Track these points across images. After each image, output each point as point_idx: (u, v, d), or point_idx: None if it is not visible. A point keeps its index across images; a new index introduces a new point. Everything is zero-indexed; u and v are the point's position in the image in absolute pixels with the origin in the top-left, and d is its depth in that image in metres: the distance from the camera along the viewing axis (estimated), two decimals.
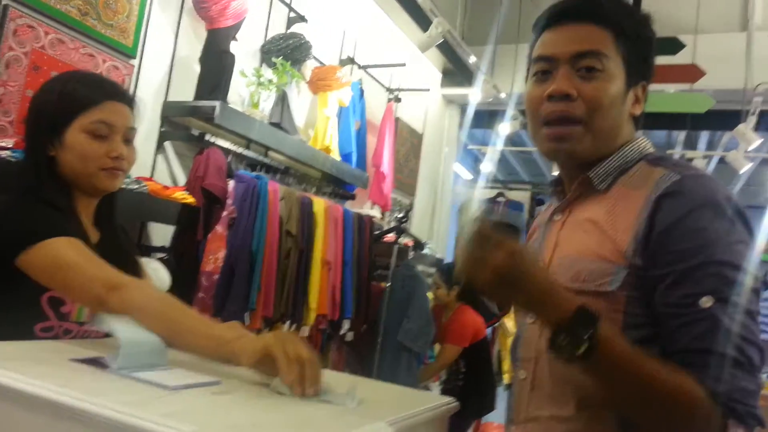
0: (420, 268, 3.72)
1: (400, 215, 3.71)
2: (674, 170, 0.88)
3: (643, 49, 0.95)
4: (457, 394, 3.40)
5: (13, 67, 1.83)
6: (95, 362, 0.83)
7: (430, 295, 3.61)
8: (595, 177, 0.94)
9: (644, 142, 0.97)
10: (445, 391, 3.51)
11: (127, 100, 1.16)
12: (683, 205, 0.83)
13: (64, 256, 0.99)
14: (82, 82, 1.14)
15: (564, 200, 0.99)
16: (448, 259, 5.69)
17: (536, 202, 5.74)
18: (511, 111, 4.72)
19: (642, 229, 0.84)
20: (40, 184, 1.10)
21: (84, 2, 2.05)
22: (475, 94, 4.37)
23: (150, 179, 2.19)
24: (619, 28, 0.92)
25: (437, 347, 3.73)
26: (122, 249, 1.18)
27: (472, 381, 3.47)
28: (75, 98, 1.10)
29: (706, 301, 0.79)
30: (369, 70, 3.89)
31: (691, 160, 5.85)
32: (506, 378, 4.50)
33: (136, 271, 1.16)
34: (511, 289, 0.79)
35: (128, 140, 1.16)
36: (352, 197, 3.51)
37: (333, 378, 1.04)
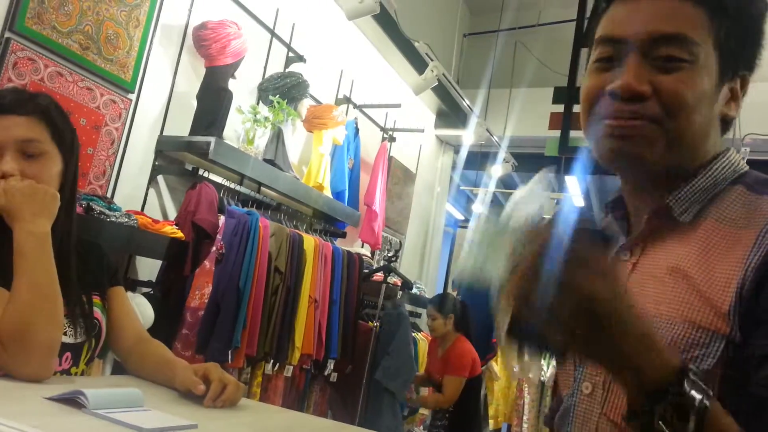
0: (408, 308, 3.71)
1: (390, 254, 3.71)
2: None
3: (749, 28, 0.71)
4: None
5: None
6: (70, 401, 0.82)
7: (418, 336, 3.57)
8: (676, 204, 0.71)
9: (735, 156, 0.73)
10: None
11: (20, 110, 1.03)
12: None
13: None
14: None
15: (634, 235, 0.75)
16: None
17: None
18: (503, 153, 4.79)
19: (750, 283, 0.61)
20: None
21: (85, 37, 2.09)
22: (468, 136, 4.45)
23: (141, 213, 2.19)
24: (718, 2, 0.69)
25: (424, 390, 3.67)
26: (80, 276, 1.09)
27: (458, 422, 3.36)
28: None
29: None
30: (364, 109, 3.95)
31: None
32: (492, 424, 4.41)
33: (82, 305, 1.08)
34: (604, 330, 0.55)
35: (28, 154, 1.03)
36: (343, 235, 3.52)
37: (311, 423, 1.03)
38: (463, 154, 5.28)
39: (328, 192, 3.29)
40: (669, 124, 0.68)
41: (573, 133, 4.38)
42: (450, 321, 3.41)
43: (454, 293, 5.45)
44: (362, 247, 3.99)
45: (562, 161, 4.95)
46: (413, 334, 3.55)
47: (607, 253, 0.65)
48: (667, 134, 0.68)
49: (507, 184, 7.06)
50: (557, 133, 4.39)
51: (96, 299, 1.15)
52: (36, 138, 1.04)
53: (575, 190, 5.80)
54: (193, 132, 2.49)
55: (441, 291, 5.92)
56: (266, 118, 2.83)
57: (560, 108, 4.41)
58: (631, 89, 0.67)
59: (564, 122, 4.26)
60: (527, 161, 5.47)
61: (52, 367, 0.98)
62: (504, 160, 4.90)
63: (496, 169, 4.96)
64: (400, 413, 3.39)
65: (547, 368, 4.94)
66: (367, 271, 3.50)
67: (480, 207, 5.73)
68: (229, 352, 2.28)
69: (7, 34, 1.86)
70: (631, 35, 0.69)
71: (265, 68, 3.07)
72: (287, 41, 3.19)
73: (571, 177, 5.49)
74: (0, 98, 1.05)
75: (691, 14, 0.68)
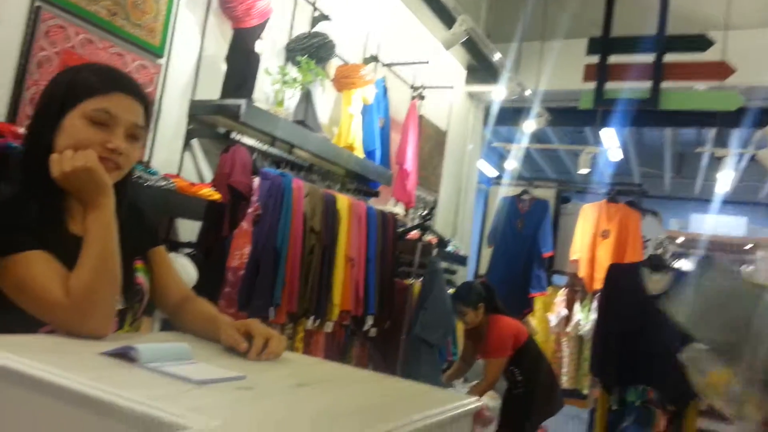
0: (444, 265, 3.71)
1: (424, 212, 3.70)
2: None
3: None
4: (521, 403, 3.35)
5: (45, 67, 1.87)
6: (123, 355, 0.85)
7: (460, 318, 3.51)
8: None
9: None
10: (507, 403, 3.41)
11: (139, 96, 1.12)
12: None
13: (24, 276, 0.97)
14: (95, 71, 1.12)
15: None
16: (472, 257, 5.67)
17: (562, 200, 5.68)
18: (536, 108, 4.68)
19: None
20: (26, 178, 1.08)
21: (113, 2, 2.09)
22: (499, 92, 4.35)
23: (177, 176, 2.23)
24: None
25: (462, 345, 3.70)
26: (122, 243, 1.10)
27: (532, 386, 3.35)
28: (83, 85, 1.07)
29: None
30: (393, 67, 3.89)
31: (720, 158, 5.73)
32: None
33: (126, 272, 1.10)
34: None
35: (132, 137, 1.10)
36: (376, 194, 3.51)
37: (352, 374, 1.05)
38: (495, 110, 5.18)
39: (359, 152, 3.28)
40: None
41: (609, 85, 4.24)
42: (480, 310, 3.39)
43: (489, 249, 5.46)
44: (395, 206, 3.99)
45: (597, 114, 4.82)
46: (448, 291, 3.55)
47: None
48: None
49: (540, 138, 6.92)
50: (592, 85, 4.25)
51: (138, 263, 1.18)
52: (142, 124, 1.13)
53: (612, 143, 5.65)
54: (223, 95, 2.49)
55: (475, 248, 5.91)
56: (294, 79, 2.81)
57: (595, 59, 4.27)
58: None
59: (599, 74, 4.13)
60: (561, 115, 5.33)
61: (112, 325, 1.03)
62: (537, 114, 4.78)
63: (529, 125, 4.85)
64: (440, 365, 3.43)
65: (586, 323, 4.92)
66: (401, 229, 3.51)
67: (513, 163, 5.64)
68: (271, 308, 2.33)
69: (37, 2, 1.87)
70: None
71: (291, 29, 3.03)
72: (312, 0, 3.13)
73: (607, 130, 5.35)
74: (122, 78, 1.14)
75: None
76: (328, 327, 2.73)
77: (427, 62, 3.84)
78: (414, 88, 4.16)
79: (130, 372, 0.80)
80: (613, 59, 4.32)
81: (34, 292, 0.97)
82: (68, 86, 1.09)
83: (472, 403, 0.95)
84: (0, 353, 0.76)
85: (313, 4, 3.15)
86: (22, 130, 1.62)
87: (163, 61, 2.34)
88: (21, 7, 1.85)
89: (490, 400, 3.32)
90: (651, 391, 3.16)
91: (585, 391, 4.91)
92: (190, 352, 0.90)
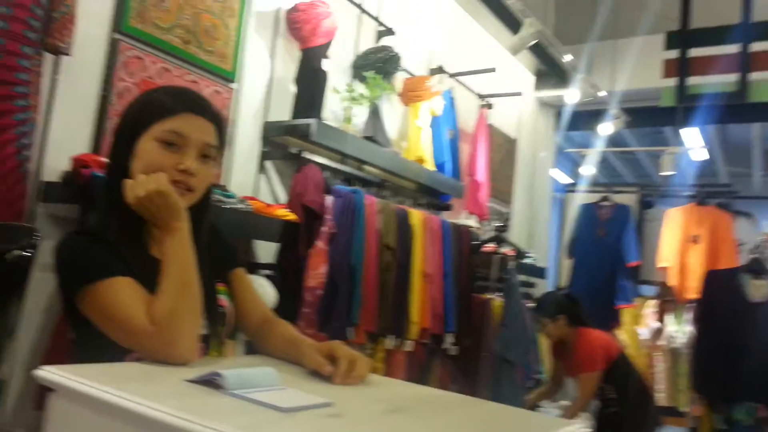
0: (521, 278, 3.57)
1: (499, 224, 3.58)
2: None
3: None
4: (616, 422, 3.12)
5: (125, 97, 1.93)
6: (209, 382, 0.82)
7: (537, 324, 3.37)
8: None
9: None
10: (601, 423, 3.17)
11: (209, 115, 1.10)
12: None
13: (109, 303, 0.97)
14: (165, 93, 1.11)
15: None
16: (551, 269, 5.46)
17: (644, 205, 5.38)
18: (612, 110, 4.46)
19: None
20: (108, 205, 1.09)
21: (185, 31, 2.14)
22: (572, 95, 4.18)
23: (254, 198, 2.24)
24: None
25: (547, 364, 3.52)
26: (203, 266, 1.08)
27: (626, 404, 3.12)
28: (153, 107, 1.07)
29: None
30: (459, 77, 3.82)
31: None
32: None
33: (209, 295, 1.09)
34: None
35: (205, 157, 1.09)
36: (448, 208, 3.44)
37: (444, 398, 0.97)
38: (567, 114, 5.00)
39: (429, 165, 3.22)
40: None
41: (691, 80, 3.99)
42: (561, 321, 3.20)
43: (569, 260, 5.23)
44: (468, 218, 3.89)
45: (678, 112, 4.54)
46: (526, 304, 3.40)
47: None
48: None
49: (616, 142, 6.62)
50: (673, 81, 4.02)
51: (220, 286, 1.17)
52: (214, 144, 1.11)
53: (695, 142, 5.32)
54: (294, 115, 2.51)
55: (553, 260, 5.69)
56: (362, 95, 2.80)
57: (675, 54, 4.04)
58: None
59: (680, 68, 3.90)
60: (639, 116, 5.05)
61: (197, 351, 1.00)
62: (614, 116, 4.56)
63: (605, 127, 4.63)
64: (522, 384, 3.26)
65: (681, 335, 4.61)
66: (476, 242, 3.41)
67: (590, 168, 5.40)
68: (349, 328, 2.29)
69: (115, 36, 1.94)
70: None
71: (356, 45, 3.03)
72: (375, 15, 3.13)
73: (689, 129, 5.03)
74: (195, 98, 1.13)
75: None
76: (408, 346, 2.66)
77: (494, 70, 3.74)
78: (481, 96, 4.07)
79: (216, 400, 0.76)
80: (694, 52, 4.07)
81: (119, 320, 0.96)
82: (140, 109, 1.09)
83: (579, 429, 0.85)
84: (85, 382, 0.74)
85: (377, 19, 3.14)
86: (105, 160, 1.66)
87: (235, 85, 2.37)
88: (100, 41, 1.92)
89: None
90: (761, 408, 2.90)
91: (682, 409, 4.60)
92: (277, 378, 0.87)
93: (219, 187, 2.05)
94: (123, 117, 1.12)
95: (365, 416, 0.78)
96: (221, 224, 1.61)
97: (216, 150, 1.11)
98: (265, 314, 1.24)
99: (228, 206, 1.98)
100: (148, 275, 1.01)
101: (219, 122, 1.13)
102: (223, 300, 1.16)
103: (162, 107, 1.07)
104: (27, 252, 1.09)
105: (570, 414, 3.09)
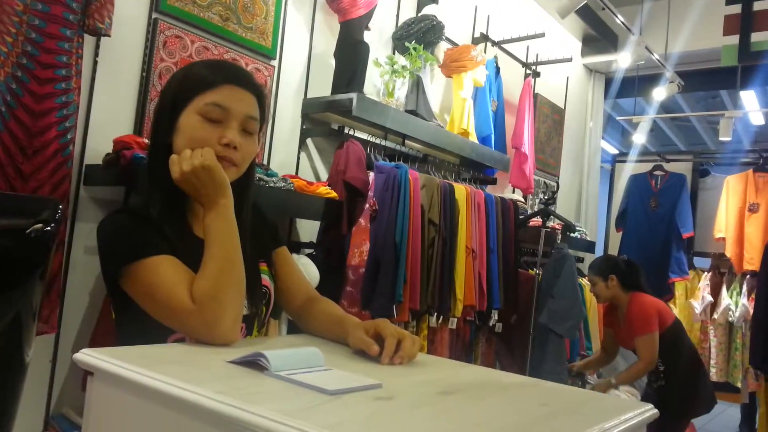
0: (571, 252, 3.45)
1: (546, 197, 3.47)
2: None
3: None
4: (661, 397, 2.98)
5: (165, 77, 1.93)
6: (252, 363, 0.80)
7: (583, 281, 3.31)
8: None
9: None
10: (644, 398, 3.07)
11: (251, 87, 1.07)
12: None
13: (151, 282, 0.95)
14: (204, 66, 1.09)
15: None
16: (599, 242, 5.30)
17: (700, 173, 5.14)
18: (668, 73, 4.23)
19: None
20: (151, 184, 1.08)
21: (224, 8, 2.12)
22: (623, 59, 3.98)
23: (296, 176, 2.22)
24: None
25: (599, 337, 3.42)
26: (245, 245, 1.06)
27: (675, 379, 2.97)
28: (194, 80, 1.05)
29: None
30: (504, 45, 3.69)
31: None
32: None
33: (252, 274, 1.07)
34: None
35: (247, 131, 1.06)
36: (494, 181, 3.35)
37: (499, 379, 0.93)
38: (617, 80, 4.78)
39: (473, 138, 3.14)
40: None
41: (755, 36, 3.72)
42: (613, 282, 3.05)
43: (619, 233, 5.06)
44: (513, 192, 3.80)
45: (737, 73, 4.27)
46: (578, 279, 3.29)
47: None
48: None
49: (667, 109, 6.32)
50: (734, 39, 3.76)
51: (263, 266, 1.15)
52: (256, 117, 1.09)
53: (754, 105, 5.03)
54: (334, 90, 2.46)
55: (602, 233, 5.52)
56: (404, 67, 2.73)
57: (737, 9, 3.77)
58: None
59: (743, 24, 3.65)
60: (696, 79, 4.77)
61: (239, 330, 0.99)
62: (668, 80, 4.33)
63: (659, 92, 4.40)
64: (566, 359, 3.16)
65: (736, 308, 4.42)
66: (522, 216, 3.32)
67: (641, 137, 5.18)
68: (393, 306, 2.27)
69: (154, 15, 1.93)
70: None
71: (397, 16, 2.95)
72: None
73: (748, 92, 4.75)
74: (235, 69, 1.10)
75: None
76: (453, 323, 2.62)
77: (543, 35, 3.58)
78: (527, 65, 3.92)
79: (259, 382, 0.74)
80: (758, 5, 3.79)
81: (161, 298, 0.95)
82: (180, 83, 1.07)
83: (647, 411, 0.80)
84: (122, 365, 0.73)
85: None
86: (147, 141, 1.66)
87: (275, 62, 2.34)
88: (140, 21, 1.92)
89: (628, 396, 3.01)
90: None
91: (737, 384, 4.43)
92: (322, 358, 0.84)
93: (260, 166, 2.03)
94: (163, 93, 1.10)
95: (417, 398, 0.75)
96: (263, 203, 1.59)
97: (257, 123, 1.09)
98: (308, 293, 1.22)
99: (269, 185, 1.96)
100: (191, 254, 1.00)
101: (260, 94, 1.10)
102: (266, 280, 1.14)
103: (202, 80, 1.04)
104: (49, 227, 1.08)
105: (625, 378, 2.98)
